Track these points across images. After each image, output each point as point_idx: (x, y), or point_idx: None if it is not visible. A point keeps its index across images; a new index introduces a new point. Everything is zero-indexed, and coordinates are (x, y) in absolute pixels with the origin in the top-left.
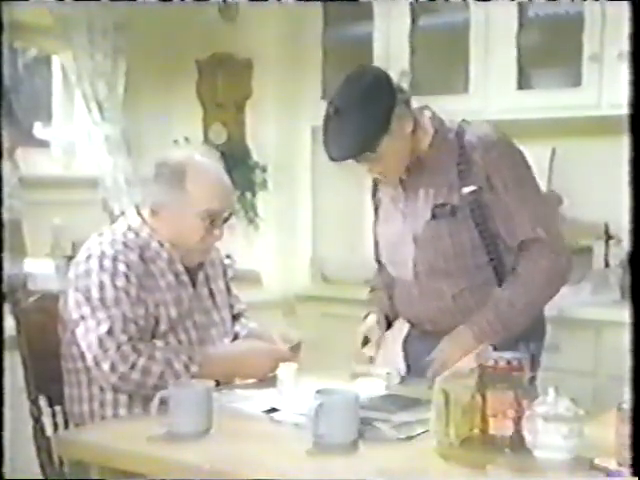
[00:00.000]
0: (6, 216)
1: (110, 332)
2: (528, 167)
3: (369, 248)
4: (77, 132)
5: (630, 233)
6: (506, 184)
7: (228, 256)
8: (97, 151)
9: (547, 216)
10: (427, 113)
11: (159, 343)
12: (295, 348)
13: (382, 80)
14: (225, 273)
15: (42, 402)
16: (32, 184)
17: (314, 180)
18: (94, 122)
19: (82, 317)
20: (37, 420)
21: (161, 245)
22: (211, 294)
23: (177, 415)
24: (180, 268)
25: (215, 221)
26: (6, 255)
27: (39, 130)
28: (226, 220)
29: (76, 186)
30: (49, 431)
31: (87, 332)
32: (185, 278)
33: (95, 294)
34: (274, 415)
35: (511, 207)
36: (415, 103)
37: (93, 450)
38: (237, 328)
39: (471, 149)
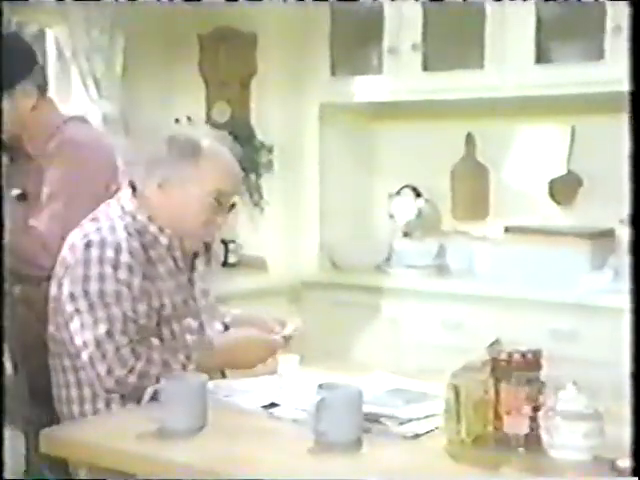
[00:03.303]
0: None
1: (109, 333)
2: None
3: (380, 233)
4: (74, 110)
5: (630, 229)
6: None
7: (232, 241)
8: None
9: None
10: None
11: (156, 341)
12: (289, 336)
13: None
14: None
15: None
16: None
17: (322, 161)
18: (91, 100)
19: (77, 311)
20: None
21: (161, 230)
22: (202, 280)
23: (169, 411)
24: (178, 254)
25: (221, 205)
26: None
27: None
28: (231, 208)
29: None
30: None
31: (83, 329)
32: (182, 264)
33: (94, 287)
34: (273, 411)
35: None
36: None
37: (80, 448)
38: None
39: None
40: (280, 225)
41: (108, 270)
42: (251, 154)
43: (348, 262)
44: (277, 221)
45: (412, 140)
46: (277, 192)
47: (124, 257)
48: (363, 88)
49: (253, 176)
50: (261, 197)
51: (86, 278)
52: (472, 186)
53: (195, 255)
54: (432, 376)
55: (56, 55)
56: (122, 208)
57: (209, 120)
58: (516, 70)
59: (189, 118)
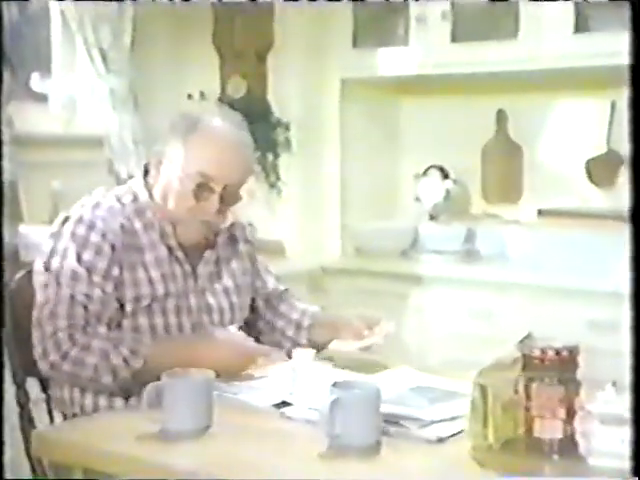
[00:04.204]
0: None
1: (52, 315)
2: None
3: (405, 216)
4: (79, 85)
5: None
6: None
7: (249, 224)
8: (101, 107)
9: None
10: None
11: (102, 329)
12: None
13: None
14: (251, 253)
15: (35, 388)
16: (28, 143)
17: (343, 139)
18: (98, 74)
19: (39, 286)
20: (23, 407)
21: (155, 214)
22: (219, 276)
23: (172, 410)
24: (173, 243)
25: (207, 190)
26: None
27: (36, 82)
28: (232, 198)
29: (78, 146)
30: (46, 419)
31: (34, 307)
32: (180, 254)
33: (55, 263)
34: (285, 410)
35: None
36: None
37: (75, 450)
38: (295, 316)
39: None
40: (299, 207)
41: (73, 248)
42: (268, 132)
43: (371, 247)
44: (295, 203)
45: (440, 117)
46: (295, 172)
47: (94, 237)
48: (388, 61)
49: (270, 155)
50: (278, 178)
51: (52, 252)
52: (504, 166)
53: (211, 246)
54: (459, 369)
55: (61, 26)
56: (130, 186)
57: (224, 95)
58: (553, 40)
59: (202, 94)
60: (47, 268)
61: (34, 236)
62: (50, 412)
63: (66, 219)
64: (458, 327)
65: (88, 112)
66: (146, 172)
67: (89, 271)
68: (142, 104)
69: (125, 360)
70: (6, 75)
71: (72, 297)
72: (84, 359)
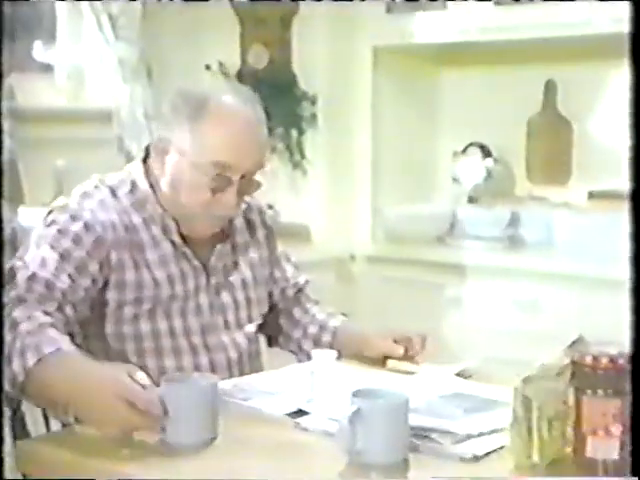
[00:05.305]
0: None
1: (8, 290)
2: None
3: (442, 198)
4: (86, 54)
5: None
6: None
7: (270, 207)
8: (110, 78)
9: None
10: None
11: (50, 308)
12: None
13: None
14: (269, 239)
15: None
16: (30, 118)
17: (375, 114)
18: (106, 42)
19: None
20: (15, 411)
21: (155, 207)
22: (235, 267)
23: (171, 420)
24: (177, 238)
25: (225, 181)
26: None
27: (40, 51)
28: (248, 188)
29: (85, 121)
30: (43, 425)
31: None
32: (187, 250)
33: (30, 254)
34: (301, 420)
35: None
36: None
37: (61, 466)
38: (313, 330)
39: None
40: (326, 189)
41: (50, 235)
42: (292, 106)
43: (404, 232)
44: (322, 184)
45: (481, 89)
46: (322, 150)
47: (75, 226)
48: (424, 27)
49: (294, 132)
50: (303, 156)
51: (27, 245)
52: (551, 144)
53: (224, 236)
54: (502, 368)
55: None
56: (127, 174)
57: (244, 66)
58: (607, 2)
59: (221, 64)
60: (20, 258)
61: (35, 219)
62: (46, 417)
63: (51, 210)
64: (500, 321)
65: (96, 84)
66: (146, 156)
67: (62, 257)
68: (155, 75)
69: (22, 352)
70: (7, 44)
71: (34, 274)
72: (6, 334)
